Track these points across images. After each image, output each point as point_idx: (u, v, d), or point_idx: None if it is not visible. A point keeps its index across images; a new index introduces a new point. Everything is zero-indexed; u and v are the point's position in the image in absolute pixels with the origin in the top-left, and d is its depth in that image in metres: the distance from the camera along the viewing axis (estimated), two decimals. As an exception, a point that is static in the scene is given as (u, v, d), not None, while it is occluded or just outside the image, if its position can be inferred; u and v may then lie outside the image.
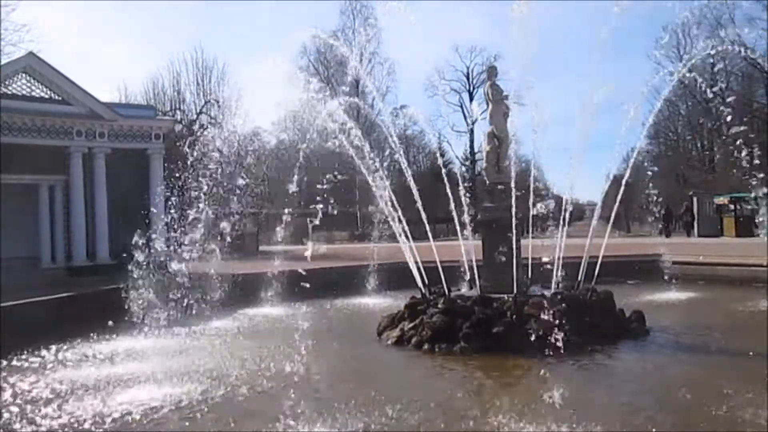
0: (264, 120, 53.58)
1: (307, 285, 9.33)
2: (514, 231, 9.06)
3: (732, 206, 31.87)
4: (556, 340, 8.55)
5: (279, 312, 13.10)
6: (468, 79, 65.87)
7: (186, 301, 11.92)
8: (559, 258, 11.02)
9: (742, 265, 14.07)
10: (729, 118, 10.28)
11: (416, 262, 10.55)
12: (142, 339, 10.04)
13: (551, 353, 8.19)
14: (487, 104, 10.03)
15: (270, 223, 37.56)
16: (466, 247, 10.74)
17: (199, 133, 27.98)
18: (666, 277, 13.82)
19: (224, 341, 10.22)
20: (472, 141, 64.98)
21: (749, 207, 28.24)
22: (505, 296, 9.15)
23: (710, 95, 28.91)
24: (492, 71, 10.09)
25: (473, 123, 66.28)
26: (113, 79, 68.13)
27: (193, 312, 11.73)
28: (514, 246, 9.20)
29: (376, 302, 13.98)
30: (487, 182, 10.04)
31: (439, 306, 9.40)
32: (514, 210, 9.57)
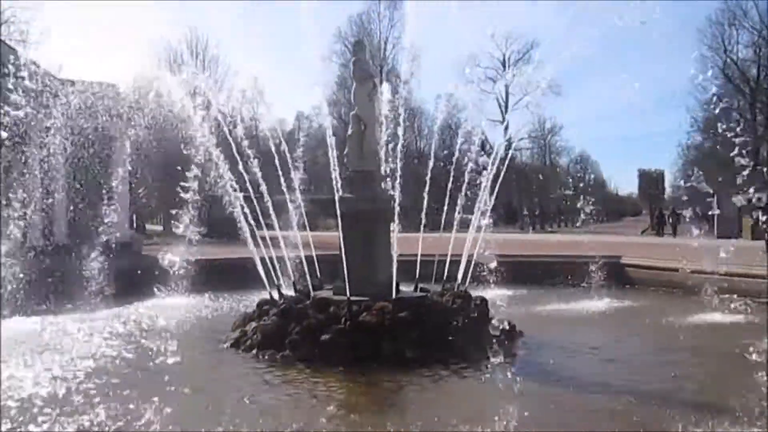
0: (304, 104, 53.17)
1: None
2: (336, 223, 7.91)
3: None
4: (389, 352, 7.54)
5: (173, 302, 12.28)
6: (504, 66, 63.58)
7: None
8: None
9: (694, 272, 12.42)
10: None
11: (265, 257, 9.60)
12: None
13: (377, 368, 7.19)
14: (352, 83, 8.88)
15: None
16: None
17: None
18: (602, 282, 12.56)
19: (76, 331, 9.51)
20: (506, 130, 62.90)
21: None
22: (345, 299, 8.07)
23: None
24: (358, 46, 8.95)
25: (507, 112, 64.28)
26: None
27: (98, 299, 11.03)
28: (341, 240, 8.03)
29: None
30: (349, 169, 8.92)
31: (280, 307, 8.42)
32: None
